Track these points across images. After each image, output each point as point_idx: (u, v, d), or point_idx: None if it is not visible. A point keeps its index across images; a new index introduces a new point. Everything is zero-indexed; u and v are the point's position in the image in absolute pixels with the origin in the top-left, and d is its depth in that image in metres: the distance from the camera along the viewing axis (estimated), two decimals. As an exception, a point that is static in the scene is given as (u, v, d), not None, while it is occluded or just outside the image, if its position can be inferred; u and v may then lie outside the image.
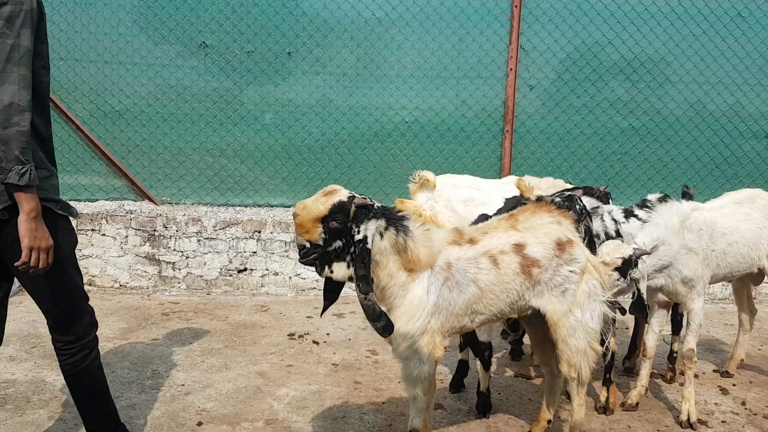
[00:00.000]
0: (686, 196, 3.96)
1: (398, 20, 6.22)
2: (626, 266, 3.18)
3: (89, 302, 2.68)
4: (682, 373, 3.69)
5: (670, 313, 4.31)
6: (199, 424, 3.42)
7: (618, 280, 3.17)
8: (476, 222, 3.31)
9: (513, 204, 3.63)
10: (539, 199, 3.36)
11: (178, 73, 6.22)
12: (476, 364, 3.69)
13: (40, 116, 2.38)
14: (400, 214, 2.73)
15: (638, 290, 3.29)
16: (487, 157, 6.43)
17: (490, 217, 3.29)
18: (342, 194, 2.66)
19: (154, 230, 6.03)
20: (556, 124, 6.41)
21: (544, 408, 3.33)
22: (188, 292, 6.00)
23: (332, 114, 6.35)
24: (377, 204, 2.72)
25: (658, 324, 3.87)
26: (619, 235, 3.65)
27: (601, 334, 3.02)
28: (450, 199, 4.18)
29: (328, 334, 4.94)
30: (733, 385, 4.22)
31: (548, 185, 4.00)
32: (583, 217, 3.23)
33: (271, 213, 6.29)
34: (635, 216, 3.77)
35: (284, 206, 6.43)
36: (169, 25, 6.15)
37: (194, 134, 6.30)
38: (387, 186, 6.41)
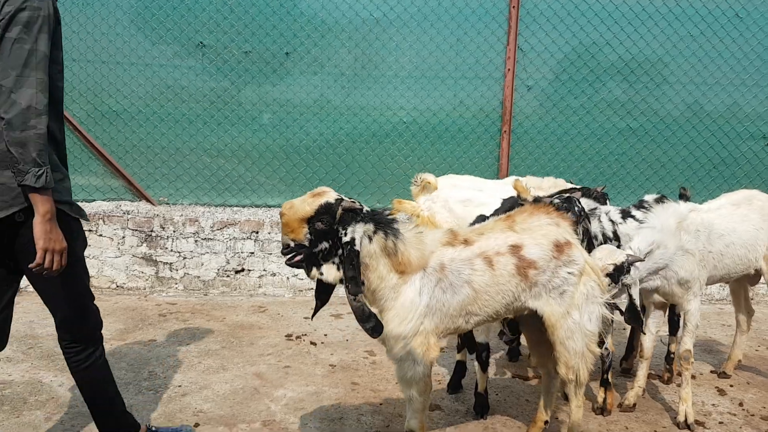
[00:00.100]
0: (683, 197, 3.96)
1: (396, 20, 6.22)
2: (618, 273, 3.16)
3: (94, 301, 2.72)
4: (680, 374, 3.69)
5: (667, 314, 4.31)
6: (196, 425, 3.42)
7: (609, 285, 3.17)
8: (474, 223, 3.31)
9: (510, 205, 3.63)
10: (536, 199, 3.35)
11: (176, 73, 6.21)
12: (474, 365, 3.68)
13: (55, 120, 2.42)
14: (390, 217, 2.73)
15: (630, 297, 3.28)
16: (485, 157, 6.43)
17: (488, 217, 3.28)
18: (330, 196, 2.65)
19: (151, 231, 6.02)
20: (553, 124, 6.41)
21: (541, 409, 3.33)
22: (185, 293, 5.99)
23: (330, 114, 6.34)
24: (366, 208, 2.71)
25: (655, 325, 3.87)
26: (616, 235, 3.65)
27: (600, 336, 3.02)
28: (448, 200, 4.18)
29: (325, 335, 4.93)
30: (731, 386, 4.22)
31: (550, 185, 4.00)
32: (581, 218, 3.23)
33: (268, 213, 6.28)
34: (632, 217, 3.76)
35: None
36: (167, 25, 6.13)
37: (191, 134, 6.29)
38: (385, 186, 6.41)
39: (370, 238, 2.64)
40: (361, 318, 2.60)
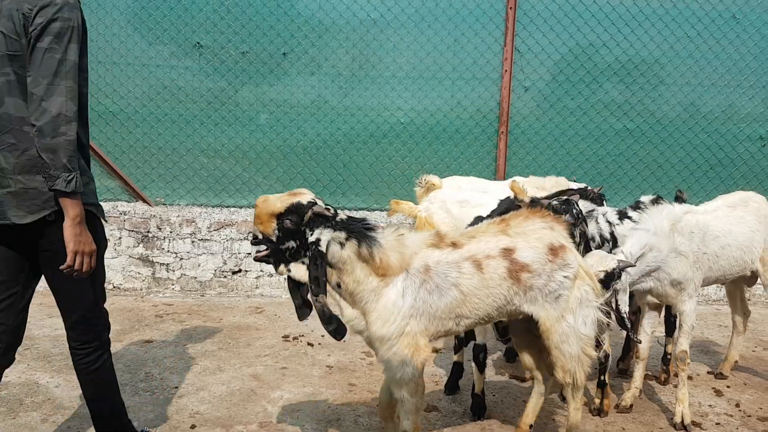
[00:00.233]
0: (679, 200, 3.96)
1: (393, 21, 6.21)
2: (609, 279, 3.15)
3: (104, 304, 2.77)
4: (677, 375, 3.70)
5: (664, 315, 4.32)
6: (193, 427, 3.41)
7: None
8: (472, 224, 3.30)
9: (506, 206, 3.63)
10: (533, 201, 3.35)
11: (173, 74, 6.20)
12: (471, 366, 3.69)
13: (80, 125, 2.49)
14: (367, 224, 2.73)
15: (616, 303, 3.27)
16: (483, 158, 6.44)
17: (485, 218, 3.28)
18: (304, 198, 2.70)
19: (148, 231, 6.01)
20: (550, 125, 6.42)
21: (527, 413, 3.29)
22: (182, 294, 5.98)
23: (327, 115, 6.34)
24: (342, 216, 2.73)
25: (650, 325, 3.88)
26: (614, 237, 3.66)
27: (597, 340, 3.02)
28: (445, 201, 4.18)
29: (322, 335, 4.92)
30: (728, 386, 4.23)
31: (552, 184, 4.00)
32: (579, 221, 3.23)
33: (265, 214, 6.26)
34: (629, 218, 3.77)
35: (279, 207, 6.40)
36: (164, 25, 6.12)
37: (188, 135, 6.28)
38: (382, 186, 6.41)
39: (342, 245, 2.64)
40: (322, 319, 2.64)
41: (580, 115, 6.41)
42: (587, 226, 3.42)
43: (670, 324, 4.35)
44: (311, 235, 2.64)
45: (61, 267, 2.38)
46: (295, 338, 4.84)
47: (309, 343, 4.74)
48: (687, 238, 3.56)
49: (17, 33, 2.33)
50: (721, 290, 6.26)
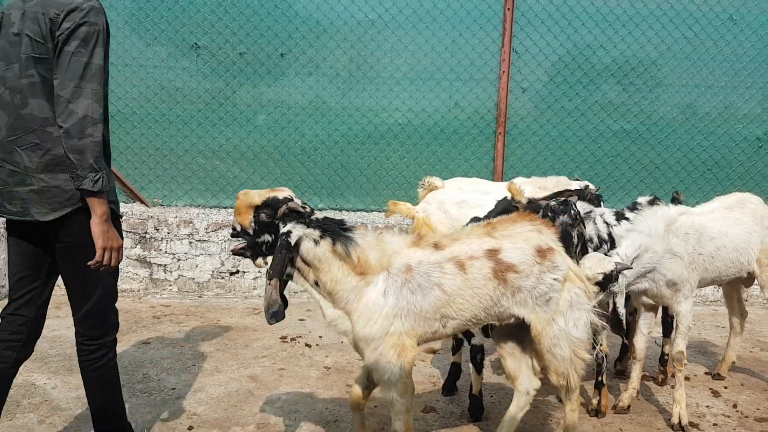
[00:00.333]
0: (675, 201, 3.97)
1: (391, 22, 6.22)
2: (606, 281, 3.15)
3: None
4: (674, 376, 3.70)
5: (661, 315, 4.32)
6: (190, 428, 3.41)
7: (597, 292, 3.16)
8: (469, 224, 3.30)
9: (503, 206, 3.63)
10: (530, 201, 3.35)
11: (170, 74, 6.19)
12: (469, 367, 3.69)
13: (104, 126, 2.55)
14: (343, 225, 2.77)
15: (614, 305, 3.27)
16: (481, 158, 6.44)
17: (483, 219, 3.28)
18: (281, 194, 2.82)
19: (145, 232, 6.00)
20: (548, 126, 6.43)
21: (503, 426, 3.17)
22: (180, 295, 5.97)
23: (325, 115, 6.34)
24: (319, 216, 2.80)
25: (647, 326, 3.88)
26: (611, 237, 3.66)
27: (593, 342, 3.00)
28: (443, 202, 4.18)
29: (320, 336, 4.92)
30: (725, 387, 4.24)
31: (553, 184, 4.00)
32: (576, 222, 3.22)
33: (263, 215, 6.26)
34: (626, 219, 3.78)
35: (277, 208, 6.40)
36: (161, 26, 6.12)
37: (186, 135, 6.27)
38: (380, 186, 6.41)
39: (316, 242, 2.68)
40: (266, 300, 2.68)
41: (577, 116, 6.42)
42: (584, 227, 3.42)
43: (668, 325, 4.36)
44: (283, 227, 2.73)
45: (89, 263, 2.45)
46: (292, 339, 4.84)
47: (307, 344, 4.74)
48: (682, 239, 3.56)
49: (43, 36, 2.40)
50: (719, 291, 6.27)
